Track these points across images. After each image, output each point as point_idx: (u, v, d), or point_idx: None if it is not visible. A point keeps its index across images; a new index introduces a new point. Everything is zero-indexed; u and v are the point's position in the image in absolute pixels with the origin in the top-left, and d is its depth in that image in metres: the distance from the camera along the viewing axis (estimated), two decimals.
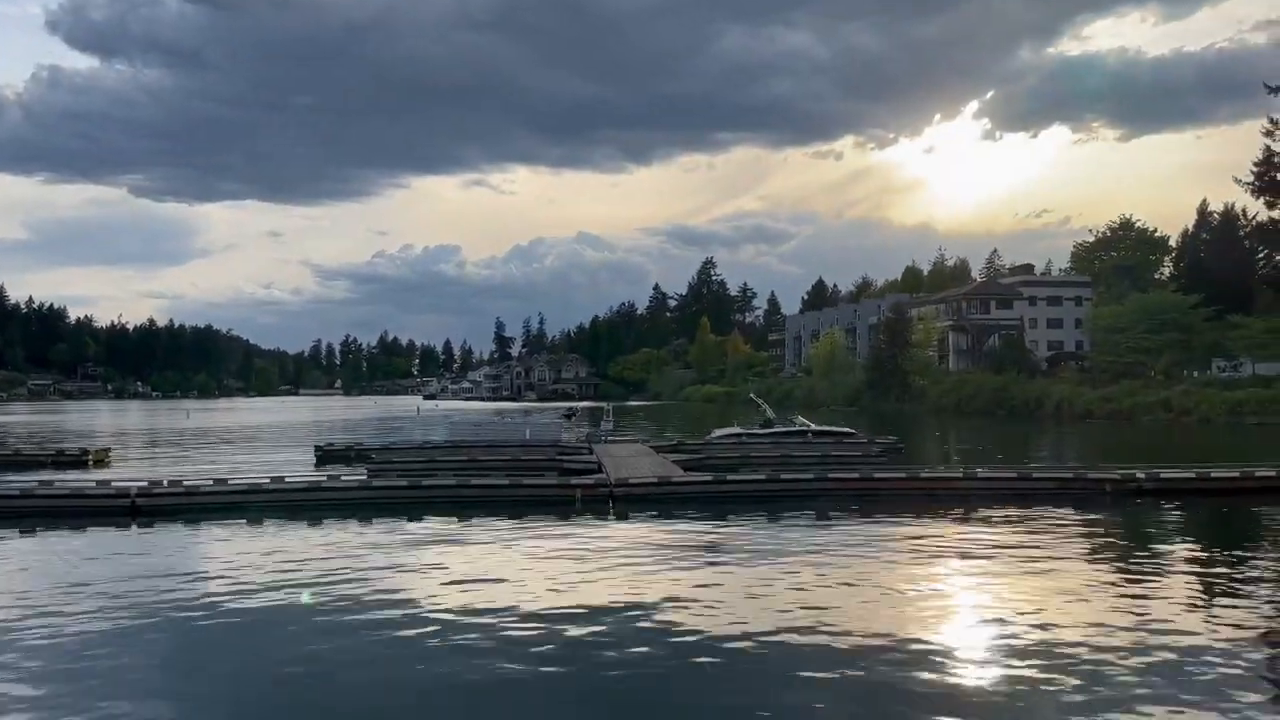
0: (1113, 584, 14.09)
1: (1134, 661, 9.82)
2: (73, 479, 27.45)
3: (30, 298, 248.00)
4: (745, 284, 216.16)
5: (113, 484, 24.21)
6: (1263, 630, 11.48)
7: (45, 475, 28.58)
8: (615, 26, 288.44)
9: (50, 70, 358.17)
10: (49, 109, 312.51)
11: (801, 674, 9.81)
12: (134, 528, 20.42)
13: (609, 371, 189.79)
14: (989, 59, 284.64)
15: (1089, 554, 16.80)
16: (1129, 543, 18.25)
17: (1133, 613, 12.10)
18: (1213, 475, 24.14)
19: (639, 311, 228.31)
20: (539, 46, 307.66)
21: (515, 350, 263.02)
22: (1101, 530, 19.74)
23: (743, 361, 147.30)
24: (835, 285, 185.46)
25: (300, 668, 10.34)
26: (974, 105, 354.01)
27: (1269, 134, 74.81)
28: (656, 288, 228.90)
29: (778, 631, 11.28)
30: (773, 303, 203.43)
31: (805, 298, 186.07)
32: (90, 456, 37.16)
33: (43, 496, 22.64)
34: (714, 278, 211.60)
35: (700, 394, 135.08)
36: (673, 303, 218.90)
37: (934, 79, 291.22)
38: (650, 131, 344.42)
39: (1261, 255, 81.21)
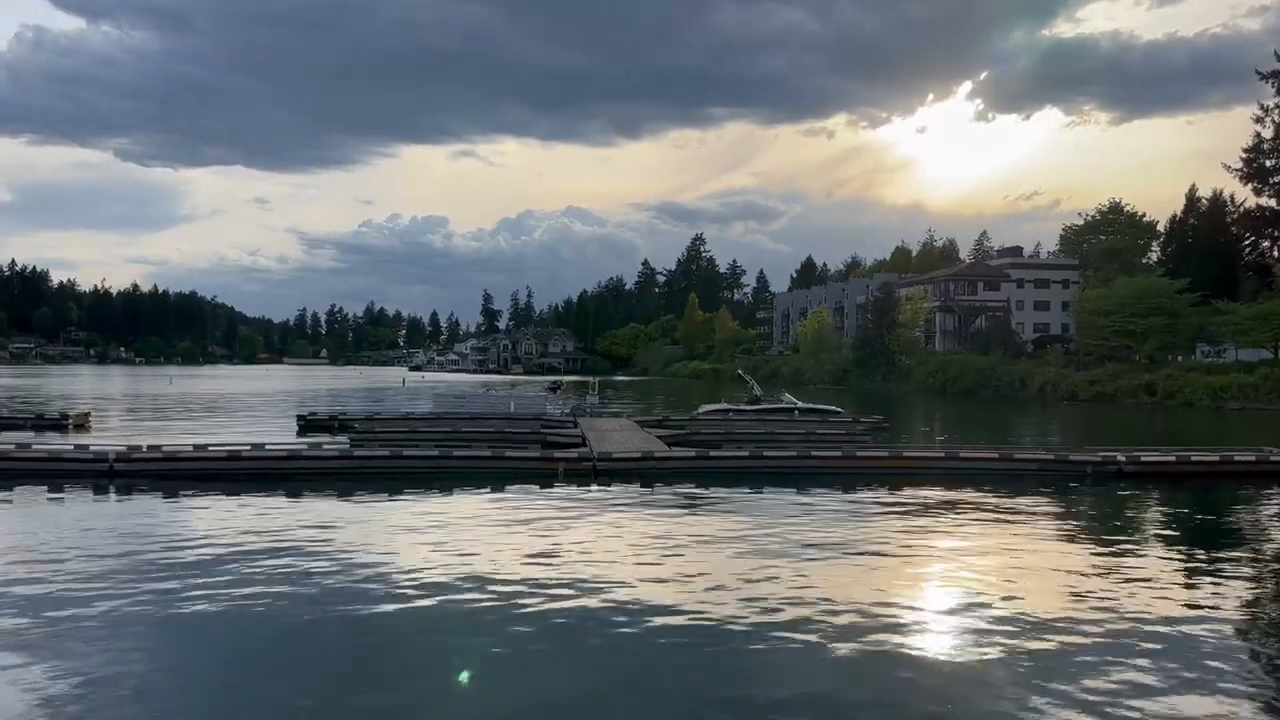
0: (1091, 565, 14.16)
1: (1108, 642, 9.87)
2: (51, 442, 27.33)
3: (13, 260, 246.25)
4: (734, 261, 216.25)
5: (91, 448, 24.13)
6: (1240, 613, 11.58)
7: (23, 438, 28.47)
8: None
9: (35, 30, 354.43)
10: (33, 69, 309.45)
11: (773, 649, 9.82)
12: (111, 492, 20.35)
13: (596, 346, 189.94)
14: (983, 39, 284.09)
15: (1068, 535, 16.96)
16: (1109, 525, 18.33)
17: (1109, 594, 12.17)
18: (1193, 459, 24.33)
19: (627, 287, 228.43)
20: (530, 16, 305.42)
21: (502, 323, 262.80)
22: (1081, 512, 19.88)
23: (730, 338, 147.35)
24: (824, 264, 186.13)
25: (271, 637, 10.36)
26: (967, 86, 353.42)
27: (1259, 120, 75.00)
28: (645, 263, 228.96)
29: (751, 607, 11.29)
30: (761, 280, 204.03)
31: (794, 276, 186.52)
32: (70, 420, 37.02)
33: (19, 459, 22.64)
34: (703, 254, 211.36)
35: (687, 370, 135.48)
36: (661, 278, 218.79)
37: (928, 58, 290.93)
38: (642, 105, 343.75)
39: (1248, 242, 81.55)
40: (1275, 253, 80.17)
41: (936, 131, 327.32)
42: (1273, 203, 76.14)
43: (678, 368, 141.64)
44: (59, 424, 36.44)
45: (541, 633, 10.37)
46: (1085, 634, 10.16)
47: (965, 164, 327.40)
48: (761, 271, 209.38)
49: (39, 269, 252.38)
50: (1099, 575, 13.45)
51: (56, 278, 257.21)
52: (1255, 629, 11.04)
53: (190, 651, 9.91)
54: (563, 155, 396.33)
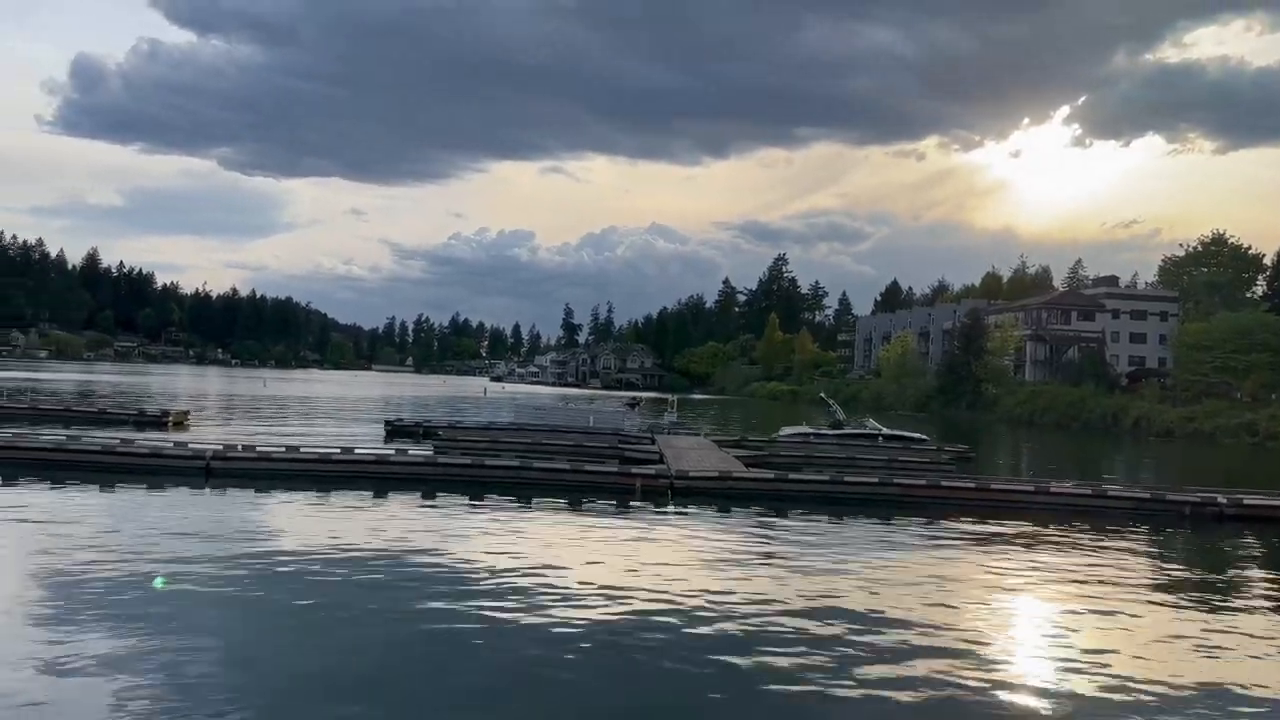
0: (1185, 612, 13.59)
1: (1197, 698, 9.48)
2: (152, 439, 28.29)
3: (121, 263, 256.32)
4: (817, 282, 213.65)
5: (189, 445, 24.95)
6: None
7: (126, 434, 29.44)
8: (698, 17, 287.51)
9: (150, 43, 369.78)
10: (147, 81, 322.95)
11: (843, 680, 9.66)
12: (207, 489, 20.93)
13: (674, 363, 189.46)
14: (1082, 63, 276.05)
15: (1163, 578, 16.25)
16: (1206, 569, 17.56)
17: (1203, 644, 11.66)
18: None
19: (707, 305, 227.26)
20: (621, 35, 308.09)
21: (582, 337, 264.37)
22: (1177, 554, 19.12)
23: (810, 360, 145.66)
24: (910, 288, 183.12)
25: (351, 636, 10.55)
26: (1064, 110, 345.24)
27: None
28: (726, 282, 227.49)
29: (825, 635, 11.13)
30: (844, 303, 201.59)
31: (878, 299, 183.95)
32: (170, 418, 38.14)
33: (123, 454, 23.44)
34: (785, 274, 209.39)
35: (765, 391, 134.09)
36: (742, 298, 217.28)
37: (1023, 82, 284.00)
38: (729, 124, 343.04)
39: None
40: None
41: (1031, 156, 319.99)
42: None
43: (755, 388, 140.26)
44: (160, 421, 37.50)
45: (604, 647, 10.40)
46: (1175, 686, 9.77)
47: (1060, 190, 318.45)
48: (844, 294, 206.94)
49: (145, 272, 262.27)
50: (1193, 623, 12.90)
51: (161, 280, 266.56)
52: None
53: (273, 644, 10.13)
54: (649, 173, 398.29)
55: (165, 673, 8.93)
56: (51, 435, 27.11)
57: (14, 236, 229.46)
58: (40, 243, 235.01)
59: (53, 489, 20.02)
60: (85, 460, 22.94)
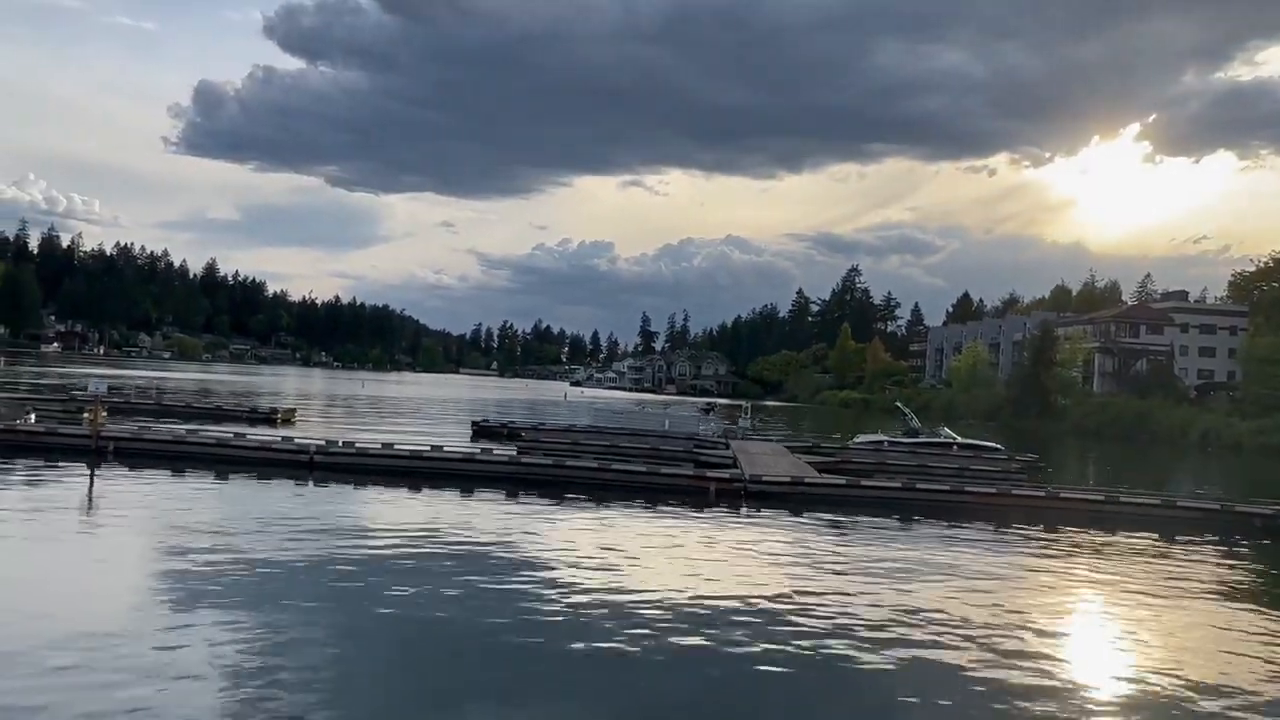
0: (1254, 624, 13.04)
1: (1268, 705, 9.12)
2: (262, 434, 29.14)
3: (236, 272, 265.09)
4: (889, 293, 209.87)
5: (295, 440, 25.68)
6: None
7: (239, 429, 30.15)
8: (775, 38, 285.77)
9: (265, 70, 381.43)
10: (261, 104, 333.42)
11: (907, 687, 9.51)
12: (310, 482, 21.43)
13: (748, 371, 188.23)
14: (1152, 82, 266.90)
15: (1232, 590, 15.57)
16: (1262, 584, 16.83)
17: (1272, 660, 11.20)
18: None
19: (781, 315, 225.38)
20: (700, 56, 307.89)
21: (658, 344, 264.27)
22: (1249, 566, 18.29)
23: (882, 370, 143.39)
24: (980, 300, 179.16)
25: (438, 622, 10.73)
26: (1134, 128, 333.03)
27: None
28: (800, 292, 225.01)
29: (894, 640, 10.98)
30: (916, 314, 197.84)
31: (949, 311, 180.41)
32: (278, 415, 39.06)
33: (236, 447, 24.20)
34: (858, 285, 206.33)
35: (837, 399, 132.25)
36: (815, 308, 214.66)
37: (1093, 101, 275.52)
38: (803, 140, 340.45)
39: None
40: None
41: (1101, 172, 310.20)
42: None
43: (827, 396, 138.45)
44: (269, 418, 38.40)
45: (679, 642, 10.36)
46: (1245, 694, 9.41)
47: (1130, 205, 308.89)
48: (916, 305, 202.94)
49: (257, 280, 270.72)
50: (1263, 636, 12.39)
51: (271, 288, 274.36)
52: None
53: (363, 636, 10.32)
54: (724, 186, 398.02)
55: (266, 649, 9.22)
56: (173, 428, 27.99)
57: (143, 248, 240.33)
58: (165, 254, 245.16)
59: (173, 477, 20.72)
60: (202, 452, 23.71)
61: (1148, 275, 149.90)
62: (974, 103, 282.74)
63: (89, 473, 20.53)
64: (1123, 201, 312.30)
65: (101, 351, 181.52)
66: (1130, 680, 9.98)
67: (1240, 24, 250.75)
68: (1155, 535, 20.27)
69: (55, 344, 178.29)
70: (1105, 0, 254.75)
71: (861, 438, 38.72)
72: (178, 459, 22.91)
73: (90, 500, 17.44)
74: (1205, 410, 71.49)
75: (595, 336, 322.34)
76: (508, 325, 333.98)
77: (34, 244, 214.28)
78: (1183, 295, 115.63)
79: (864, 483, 24.71)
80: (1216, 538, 20.52)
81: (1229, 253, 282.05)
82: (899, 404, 56.43)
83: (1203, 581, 15.89)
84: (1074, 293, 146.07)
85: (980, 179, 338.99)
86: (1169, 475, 41.86)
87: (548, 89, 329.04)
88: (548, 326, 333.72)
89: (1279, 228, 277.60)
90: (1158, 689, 9.65)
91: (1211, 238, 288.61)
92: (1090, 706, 9.10)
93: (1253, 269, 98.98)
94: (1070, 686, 9.64)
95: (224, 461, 23.00)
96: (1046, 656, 10.63)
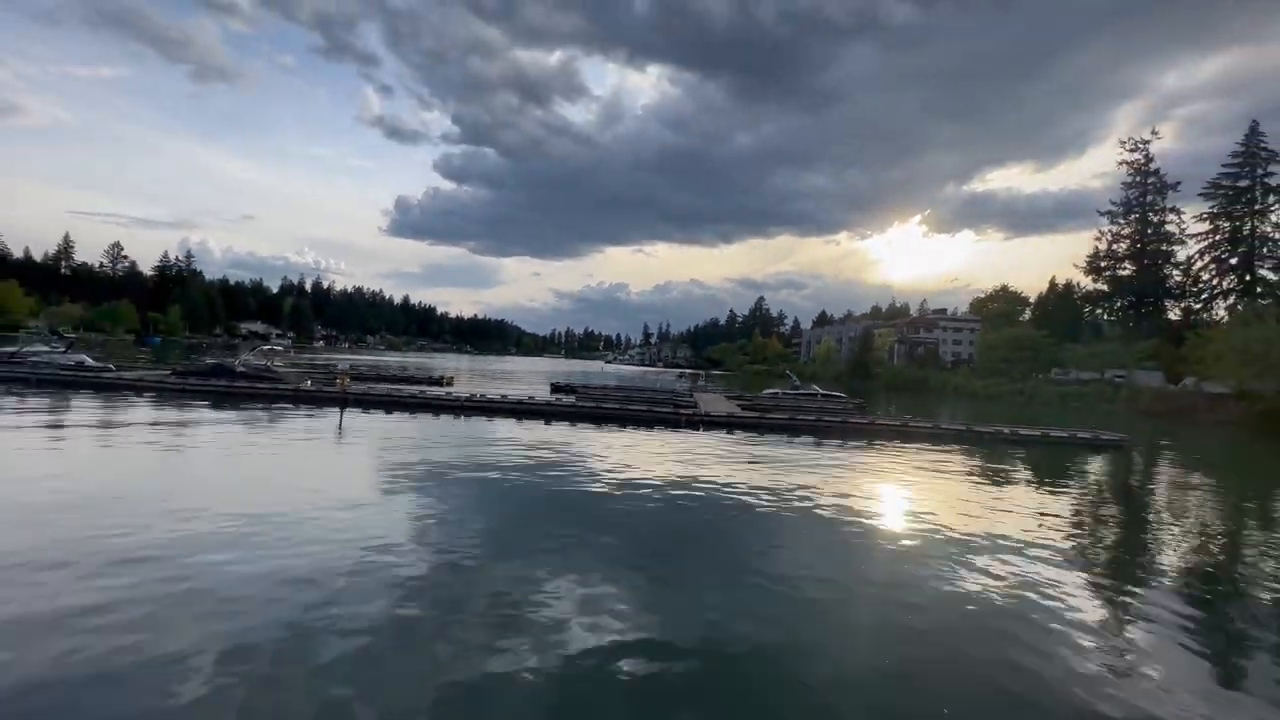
0: (981, 491, 13.01)
1: (988, 538, 9.07)
2: (435, 390, 29.16)
3: (420, 302, 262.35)
4: (780, 311, 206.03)
5: (453, 394, 25.62)
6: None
7: (423, 387, 30.39)
8: (718, 169, 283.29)
9: (433, 189, 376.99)
10: (431, 208, 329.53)
11: (789, 522, 9.55)
12: (462, 417, 21.33)
13: (704, 355, 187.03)
14: (927, 191, 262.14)
15: (971, 472, 15.44)
16: (989, 471, 16.44)
17: (991, 506, 11.15)
18: (1050, 434, 22.08)
19: (720, 323, 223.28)
20: (675, 179, 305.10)
21: (654, 340, 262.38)
22: (983, 461, 18.13)
23: (777, 354, 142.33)
24: (832, 314, 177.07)
25: (533, 492, 10.69)
26: (917, 217, 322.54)
27: (1097, 239, 67.61)
28: (731, 311, 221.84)
29: (781, 496, 11.01)
30: (795, 323, 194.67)
31: (814, 321, 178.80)
32: (444, 380, 38.63)
33: (422, 397, 23.96)
34: (764, 307, 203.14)
35: (753, 370, 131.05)
36: (739, 320, 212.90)
37: (894, 201, 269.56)
38: (733, 225, 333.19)
39: (1087, 309, 73.41)
40: (1103, 315, 71.84)
41: (899, 243, 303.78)
42: (1103, 286, 68.44)
43: (748, 368, 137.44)
44: (439, 382, 37.87)
45: (661, 500, 10.28)
46: (976, 532, 9.36)
47: (914, 261, 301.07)
48: (795, 318, 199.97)
49: (430, 305, 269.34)
50: (989, 496, 12.32)
51: (440, 310, 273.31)
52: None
53: (496, 497, 10.35)
54: (689, 252, 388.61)
55: (439, 509, 9.30)
56: (386, 387, 27.95)
57: (370, 289, 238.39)
58: (380, 291, 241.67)
59: (386, 415, 20.62)
60: (404, 400, 23.51)
61: (924, 300, 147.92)
62: (828, 204, 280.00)
63: (340, 413, 20.51)
64: (910, 259, 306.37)
65: (347, 346, 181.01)
66: (919, 515, 10.04)
67: (977, 159, 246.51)
68: (929, 443, 20.21)
69: (321, 342, 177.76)
70: (903, 145, 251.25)
71: (766, 391, 38.50)
72: (389, 405, 22.79)
73: (340, 429, 17.50)
74: (956, 374, 71.04)
75: (618, 336, 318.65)
76: (569, 330, 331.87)
77: (308, 286, 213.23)
78: (943, 311, 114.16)
79: (767, 415, 24.64)
80: (964, 445, 20.44)
81: (969, 287, 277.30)
82: (788, 372, 56.03)
83: (956, 469, 15.83)
84: (884, 309, 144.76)
85: (831, 247, 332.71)
86: (936, 411, 41.64)
87: (591, 199, 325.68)
88: (591, 330, 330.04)
89: (995, 273, 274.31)
90: (927, 527, 9.68)
91: (960, 279, 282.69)
92: (890, 532, 9.14)
93: (984, 295, 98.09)
94: (877, 524, 9.68)
95: (415, 406, 22.84)
96: (867, 504, 10.67)
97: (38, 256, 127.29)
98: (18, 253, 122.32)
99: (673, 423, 22.28)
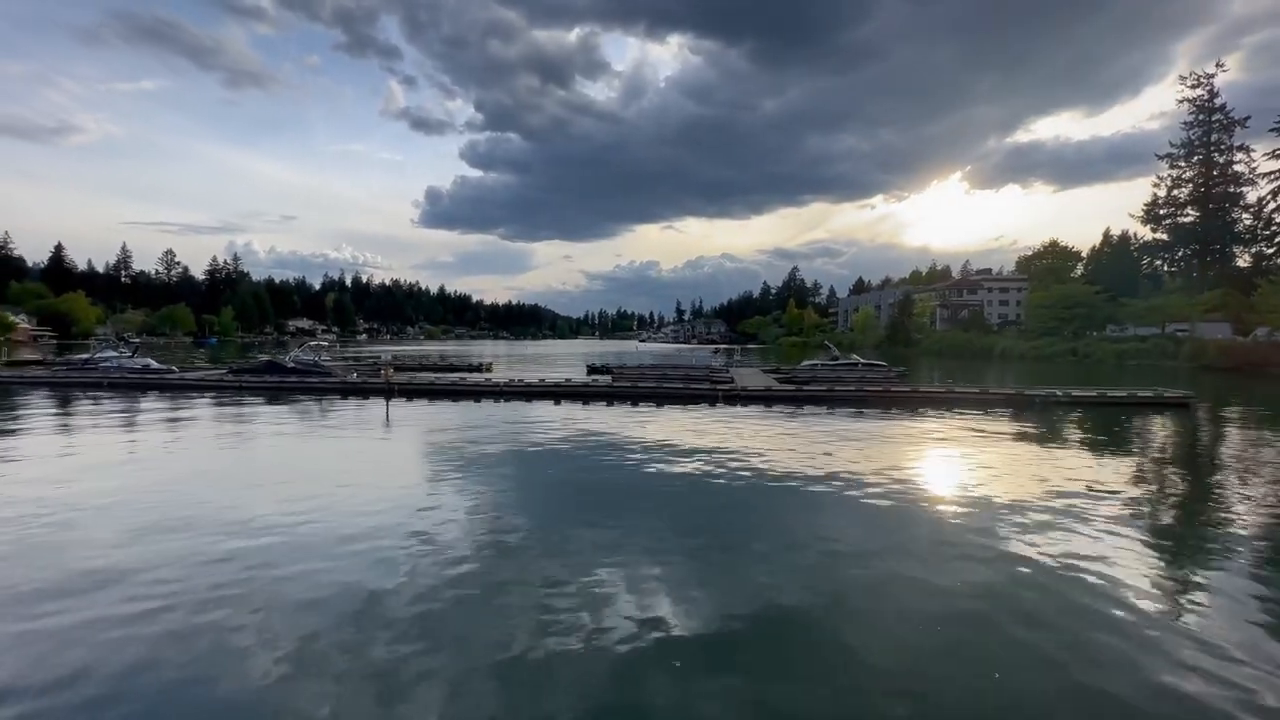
0: (1034, 455, 12.57)
1: (1044, 494, 8.80)
2: (475, 377, 29.69)
3: (455, 290, 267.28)
4: (816, 281, 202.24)
5: (493, 380, 26.03)
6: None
7: (463, 375, 30.90)
8: (744, 137, 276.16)
9: (461, 178, 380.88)
10: (461, 196, 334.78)
11: (830, 491, 9.43)
12: (502, 401, 21.66)
13: (738, 329, 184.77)
14: (968, 146, 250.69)
15: (1020, 436, 14.98)
16: (1041, 436, 15.98)
17: (1040, 473, 10.78)
18: (1108, 394, 21.11)
19: (754, 296, 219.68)
20: (701, 151, 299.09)
21: (686, 316, 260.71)
22: (1030, 426, 17.59)
23: (813, 324, 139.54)
24: (869, 281, 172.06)
25: (572, 471, 10.86)
26: (957, 174, 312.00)
27: (1156, 186, 63.10)
28: (765, 283, 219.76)
29: (824, 467, 10.88)
30: (831, 292, 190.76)
31: (850, 289, 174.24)
32: (483, 366, 39.24)
33: (462, 384, 24.43)
34: (797, 277, 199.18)
35: (788, 342, 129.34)
36: (773, 291, 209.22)
37: (932, 159, 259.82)
38: (762, 195, 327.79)
39: (1145, 261, 69.03)
40: (1163, 267, 67.49)
41: (938, 202, 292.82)
42: (1163, 235, 64.18)
43: (783, 340, 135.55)
44: (478, 368, 38.42)
45: (698, 474, 10.31)
46: (1026, 495, 9.04)
47: (955, 221, 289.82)
48: (831, 287, 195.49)
49: (465, 293, 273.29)
50: (1039, 459, 11.91)
51: (474, 298, 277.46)
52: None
53: (539, 477, 10.52)
54: (719, 225, 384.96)
55: (484, 490, 9.54)
56: (428, 376, 28.48)
57: (406, 281, 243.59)
58: (417, 283, 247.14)
59: (429, 402, 21.04)
60: (445, 388, 24.00)
61: (967, 261, 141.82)
62: (863, 166, 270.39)
63: (385, 402, 20.94)
64: (951, 219, 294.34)
65: (388, 337, 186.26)
66: (966, 485, 9.80)
67: (1020, 109, 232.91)
68: (976, 409, 19.63)
69: (363, 335, 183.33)
70: (940, 99, 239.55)
71: (805, 362, 37.74)
72: (432, 393, 23.23)
73: (387, 417, 17.89)
74: (1002, 337, 68.30)
75: (651, 315, 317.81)
76: (602, 311, 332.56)
77: (349, 281, 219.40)
78: (987, 271, 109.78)
79: (805, 388, 24.29)
80: (1011, 410, 19.78)
81: (1015, 245, 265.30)
82: (826, 342, 54.87)
83: (1006, 435, 15.37)
84: (924, 273, 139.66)
85: (866, 211, 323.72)
86: (983, 376, 40.25)
87: (618, 176, 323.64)
88: (623, 310, 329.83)
89: (1044, 229, 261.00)
90: (983, 490, 9.44)
91: (1005, 237, 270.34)
92: (938, 502, 8.97)
93: (1030, 252, 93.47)
94: (923, 495, 9.50)
95: (456, 393, 23.29)
96: (911, 474, 10.48)
97: (99, 267, 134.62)
98: (81, 265, 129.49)
99: (709, 399, 22.11)
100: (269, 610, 5.50)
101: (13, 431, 14.51)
